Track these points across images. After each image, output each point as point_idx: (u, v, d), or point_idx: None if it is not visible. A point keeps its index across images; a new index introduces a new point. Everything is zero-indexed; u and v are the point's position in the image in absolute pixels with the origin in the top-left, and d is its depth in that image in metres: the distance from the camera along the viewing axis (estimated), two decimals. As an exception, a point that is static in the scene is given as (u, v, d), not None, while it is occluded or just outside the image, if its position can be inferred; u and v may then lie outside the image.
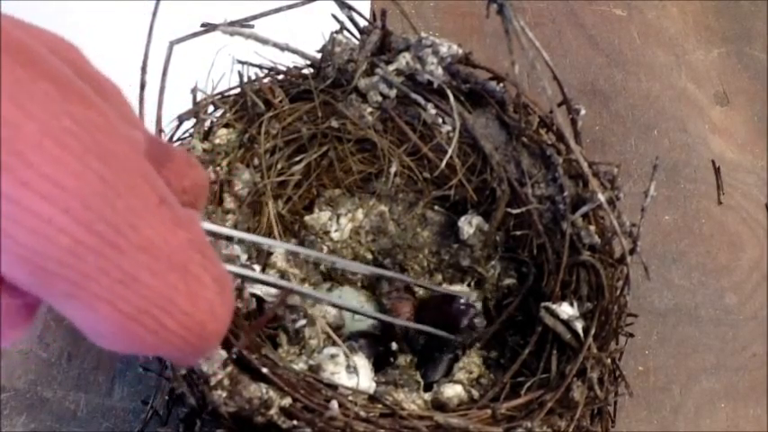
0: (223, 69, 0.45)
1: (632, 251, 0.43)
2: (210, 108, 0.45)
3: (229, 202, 0.43)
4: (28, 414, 0.47)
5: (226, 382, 0.34)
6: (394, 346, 0.47)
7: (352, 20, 0.47)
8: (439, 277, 0.51)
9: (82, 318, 0.18)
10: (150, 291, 0.18)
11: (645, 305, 0.57)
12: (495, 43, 0.66)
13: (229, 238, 0.37)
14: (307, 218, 0.49)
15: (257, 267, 0.40)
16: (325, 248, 0.49)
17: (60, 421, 0.48)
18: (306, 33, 0.47)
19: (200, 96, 0.45)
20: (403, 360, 0.47)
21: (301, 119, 0.47)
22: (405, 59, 0.45)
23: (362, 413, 0.36)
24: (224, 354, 0.35)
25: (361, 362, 0.41)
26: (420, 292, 0.50)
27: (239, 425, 0.36)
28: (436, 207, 0.51)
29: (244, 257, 0.39)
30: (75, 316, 0.18)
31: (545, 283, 0.45)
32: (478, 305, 0.48)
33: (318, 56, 0.47)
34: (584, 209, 0.43)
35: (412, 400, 0.42)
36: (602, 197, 0.41)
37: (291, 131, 0.47)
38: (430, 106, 0.46)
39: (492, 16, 0.35)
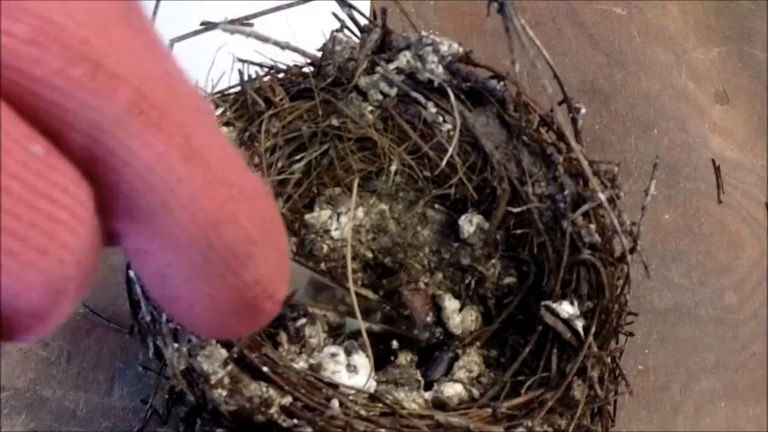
0: (223, 68, 0.45)
1: (632, 250, 0.43)
2: (211, 106, 0.45)
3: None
4: (28, 413, 0.47)
5: (226, 380, 0.34)
6: (395, 344, 0.47)
7: (352, 18, 0.47)
8: (439, 276, 0.51)
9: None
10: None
11: (645, 304, 0.57)
12: (496, 42, 0.66)
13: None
14: (307, 216, 0.49)
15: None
16: (325, 247, 0.49)
17: (60, 421, 0.47)
18: (306, 32, 0.47)
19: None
20: (403, 359, 0.47)
21: (302, 117, 0.47)
22: (405, 58, 0.45)
23: (363, 412, 0.36)
24: (224, 352, 0.35)
25: (362, 361, 0.41)
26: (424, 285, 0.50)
27: (239, 424, 0.36)
28: (437, 206, 0.51)
29: None
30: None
31: (545, 282, 0.45)
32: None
33: (319, 54, 0.47)
34: (584, 207, 0.43)
35: (412, 399, 0.42)
36: (602, 196, 0.41)
37: (292, 130, 0.47)
38: (430, 105, 0.46)
39: (492, 15, 0.35)
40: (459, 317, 0.48)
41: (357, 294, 0.43)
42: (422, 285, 0.50)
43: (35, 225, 0.12)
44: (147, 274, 0.15)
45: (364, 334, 0.36)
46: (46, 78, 0.13)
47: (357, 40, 0.47)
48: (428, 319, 0.48)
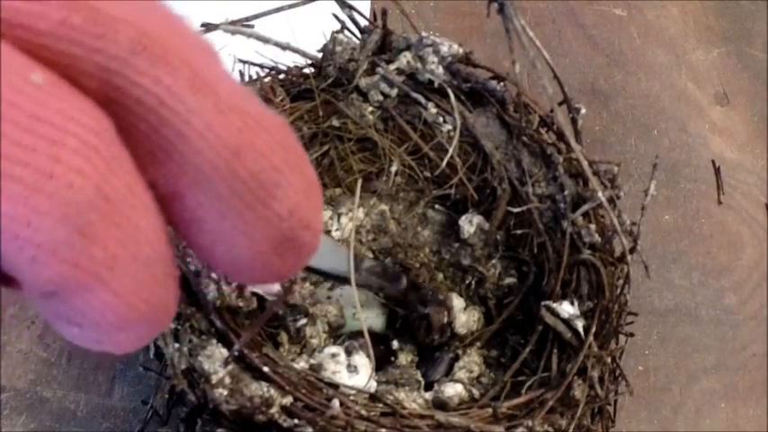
0: (224, 69, 0.45)
1: (632, 250, 0.43)
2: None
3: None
4: (28, 414, 0.47)
5: (227, 380, 0.34)
6: (395, 344, 0.47)
7: (352, 19, 0.47)
8: (440, 276, 0.51)
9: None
10: None
11: (645, 305, 0.57)
12: (495, 43, 0.66)
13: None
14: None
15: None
16: (325, 248, 0.49)
17: (60, 421, 0.47)
18: (307, 33, 0.47)
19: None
20: (403, 359, 0.47)
21: (302, 118, 0.47)
22: (405, 59, 0.46)
23: (363, 412, 0.36)
24: (225, 352, 0.35)
25: (362, 361, 0.41)
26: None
27: (240, 424, 0.36)
28: (437, 206, 0.51)
29: None
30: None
31: (545, 282, 0.45)
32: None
33: (319, 55, 0.47)
34: (584, 207, 0.43)
35: (413, 400, 0.42)
36: (602, 196, 0.41)
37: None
38: (431, 105, 0.46)
39: (492, 16, 0.35)
40: (465, 316, 0.48)
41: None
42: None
43: (35, 149, 0.12)
44: (184, 224, 0.15)
45: (366, 333, 0.36)
46: (50, 30, 0.13)
47: (357, 41, 0.47)
48: (445, 319, 0.47)
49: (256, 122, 0.15)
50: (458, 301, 0.49)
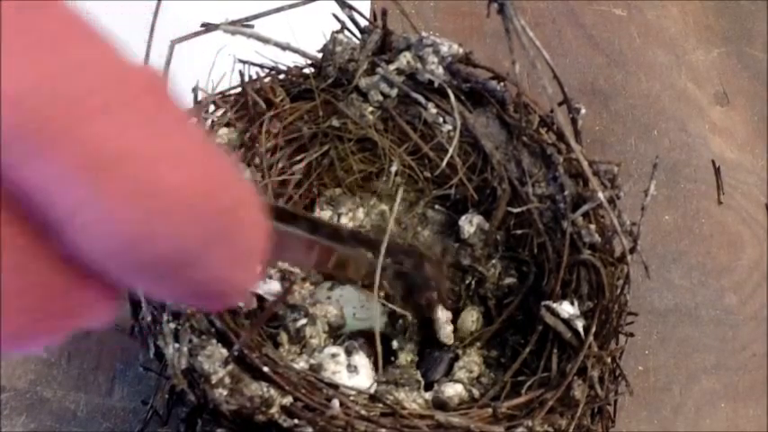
0: (224, 69, 0.45)
1: (632, 250, 0.43)
2: (211, 107, 0.45)
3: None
4: (28, 414, 0.47)
5: (227, 380, 0.34)
6: (395, 344, 0.47)
7: (352, 19, 0.47)
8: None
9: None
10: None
11: (645, 305, 0.57)
12: (495, 43, 0.66)
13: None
14: (307, 217, 0.50)
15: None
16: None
17: (60, 421, 0.47)
18: (307, 33, 0.47)
19: (201, 96, 0.45)
20: (403, 359, 0.47)
21: (302, 118, 0.47)
22: (405, 59, 0.46)
23: (363, 412, 0.36)
24: (225, 352, 0.35)
25: (362, 361, 0.41)
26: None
27: (240, 424, 0.36)
28: (437, 206, 0.51)
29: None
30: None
31: (545, 282, 0.45)
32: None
33: (319, 55, 0.47)
34: (584, 208, 0.43)
35: (413, 400, 0.42)
36: (602, 196, 0.41)
37: (292, 131, 0.47)
38: (431, 105, 0.46)
39: (492, 16, 0.35)
40: (450, 327, 0.48)
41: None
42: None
43: None
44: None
45: (377, 332, 0.37)
46: None
47: (357, 41, 0.47)
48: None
49: (172, 201, 0.13)
50: (442, 313, 0.48)
